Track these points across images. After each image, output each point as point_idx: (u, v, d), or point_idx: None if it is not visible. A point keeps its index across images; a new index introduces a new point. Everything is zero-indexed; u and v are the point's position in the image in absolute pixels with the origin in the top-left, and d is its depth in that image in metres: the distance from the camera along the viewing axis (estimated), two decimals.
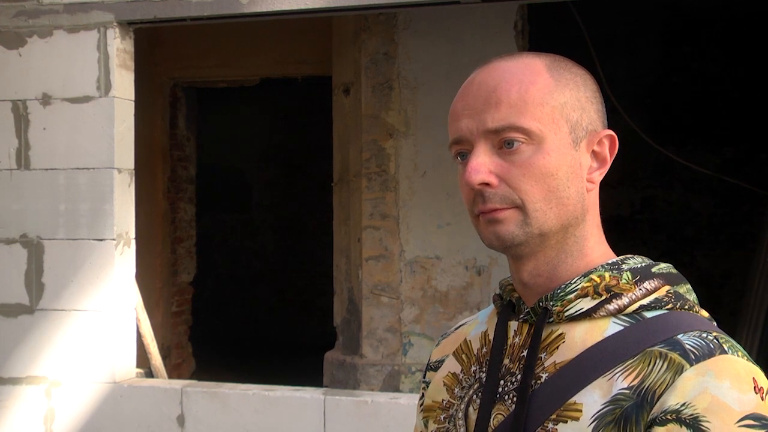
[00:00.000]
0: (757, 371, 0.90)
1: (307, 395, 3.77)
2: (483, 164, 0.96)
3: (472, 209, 0.99)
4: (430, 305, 4.82)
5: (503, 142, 0.96)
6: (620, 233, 7.04)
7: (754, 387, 0.87)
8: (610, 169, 1.02)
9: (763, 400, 0.87)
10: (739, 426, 0.84)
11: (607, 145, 1.01)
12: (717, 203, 7.14)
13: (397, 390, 4.73)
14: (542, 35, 5.14)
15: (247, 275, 9.74)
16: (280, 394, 3.80)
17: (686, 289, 1.00)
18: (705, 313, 0.98)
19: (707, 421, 0.84)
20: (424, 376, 1.17)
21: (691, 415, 0.85)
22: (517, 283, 1.03)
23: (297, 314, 9.34)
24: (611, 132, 1.01)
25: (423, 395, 1.15)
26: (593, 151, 1.00)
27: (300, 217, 9.45)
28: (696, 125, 7.05)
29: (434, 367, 1.15)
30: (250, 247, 9.81)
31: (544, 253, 0.99)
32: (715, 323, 0.98)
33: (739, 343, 0.91)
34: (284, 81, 6.50)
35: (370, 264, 4.91)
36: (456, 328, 1.18)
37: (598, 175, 1.01)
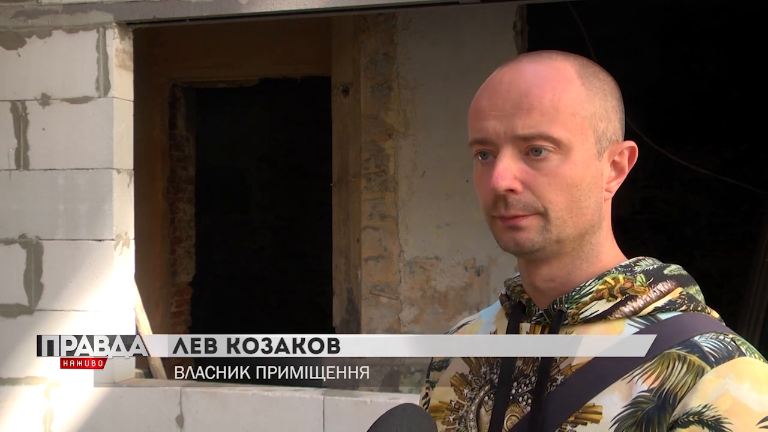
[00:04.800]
0: None
1: (307, 395, 3.77)
2: (509, 170, 0.96)
3: (489, 211, 0.98)
4: (429, 306, 4.82)
5: (531, 149, 0.96)
6: (620, 233, 6.95)
7: None
8: None
9: None
10: (761, 427, 0.86)
11: (627, 155, 1.03)
12: (716, 203, 7.13)
13: (396, 390, 4.73)
14: (542, 36, 5.14)
15: (247, 275, 9.72)
16: (279, 395, 3.80)
17: (695, 290, 1.02)
18: (716, 314, 1.00)
19: (729, 423, 0.86)
20: (428, 376, 1.16)
21: (713, 416, 0.87)
22: (528, 285, 1.03)
23: (296, 314, 9.32)
24: (633, 144, 1.03)
25: (427, 395, 1.14)
26: (613, 161, 1.02)
27: (299, 217, 9.44)
28: (696, 125, 7.03)
29: (438, 366, 1.14)
30: (249, 247, 9.79)
31: (560, 259, 1.00)
32: (724, 323, 1.00)
33: None
34: (283, 81, 6.49)
35: (369, 264, 4.90)
36: (458, 327, 1.17)
37: (615, 185, 1.03)
